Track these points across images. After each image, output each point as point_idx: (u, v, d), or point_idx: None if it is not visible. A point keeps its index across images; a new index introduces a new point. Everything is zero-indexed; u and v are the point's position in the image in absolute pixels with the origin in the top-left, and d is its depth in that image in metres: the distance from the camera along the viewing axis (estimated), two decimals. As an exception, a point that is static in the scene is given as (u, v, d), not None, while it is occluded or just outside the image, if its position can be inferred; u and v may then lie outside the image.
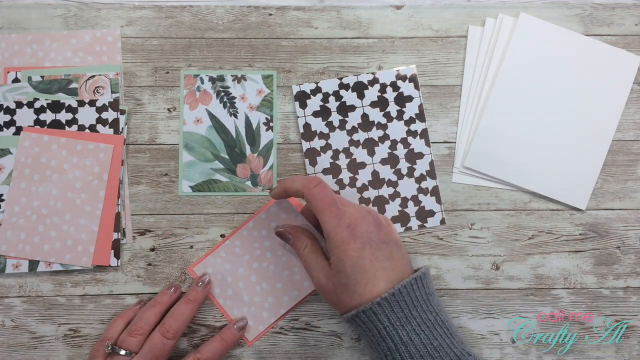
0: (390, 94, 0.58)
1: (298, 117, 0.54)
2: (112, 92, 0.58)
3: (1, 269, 0.55)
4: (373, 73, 0.55)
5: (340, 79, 0.56)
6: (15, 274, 0.56)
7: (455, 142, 0.59)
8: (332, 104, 0.57)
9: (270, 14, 0.60)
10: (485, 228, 0.58)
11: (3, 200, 0.56)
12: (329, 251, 0.48)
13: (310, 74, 0.59)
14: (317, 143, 0.55)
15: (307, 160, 0.57)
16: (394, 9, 0.60)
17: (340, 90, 0.56)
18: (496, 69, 0.59)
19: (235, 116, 0.58)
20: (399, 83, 0.57)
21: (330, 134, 0.56)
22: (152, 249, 0.57)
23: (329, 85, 0.56)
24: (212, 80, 0.58)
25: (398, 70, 0.57)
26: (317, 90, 0.55)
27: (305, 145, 0.55)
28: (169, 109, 0.58)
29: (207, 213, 0.57)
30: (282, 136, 0.58)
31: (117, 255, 0.56)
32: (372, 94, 0.57)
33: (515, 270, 0.58)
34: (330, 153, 0.56)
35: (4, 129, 0.57)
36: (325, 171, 0.56)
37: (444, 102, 0.59)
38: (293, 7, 0.60)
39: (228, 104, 0.58)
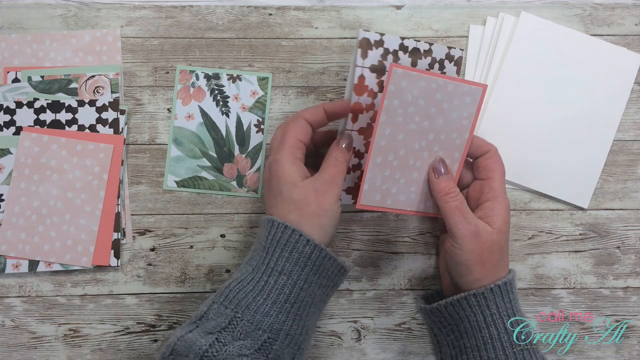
0: (435, 71, 0.54)
1: (357, 66, 0.51)
2: (112, 92, 0.58)
3: (1, 269, 0.55)
4: (430, 44, 0.53)
5: (403, 39, 0.52)
6: (15, 274, 0.56)
7: (455, 142, 0.59)
8: (388, 64, 0.52)
9: (270, 14, 0.59)
10: (485, 228, 0.58)
11: (3, 200, 0.56)
12: (491, 213, 0.48)
13: (310, 74, 0.59)
14: (364, 100, 0.52)
15: (350, 115, 0.51)
16: (394, 9, 0.60)
17: (399, 52, 0.53)
18: (498, 68, 0.59)
19: (227, 115, 0.58)
20: (446, 63, 0.55)
21: (378, 94, 0.53)
22: (152, 249, 0.57)
23: (392, 42, 0.52)
24: (208, 77, 0.58)
25: (450, 49, 0.55)
26: (380, 42, 0.52)
27: (354, 99, 0.52)
28: (168, 109, 0.58)
29: (207, 213, 0.57)
30: (282, 136, 0.58)
31: (117, 255, 0.56)
32: (422, 65, 0.54)
33: (515, 270, 0.57)
34: (371, 113, 0.53)
35: (4, 129, 0.57)
36: (360, 130, 0.53)
37: (444, 102, 0.59)
38: (293, 7, 0.60)
39: (221, 103, 0.58)
